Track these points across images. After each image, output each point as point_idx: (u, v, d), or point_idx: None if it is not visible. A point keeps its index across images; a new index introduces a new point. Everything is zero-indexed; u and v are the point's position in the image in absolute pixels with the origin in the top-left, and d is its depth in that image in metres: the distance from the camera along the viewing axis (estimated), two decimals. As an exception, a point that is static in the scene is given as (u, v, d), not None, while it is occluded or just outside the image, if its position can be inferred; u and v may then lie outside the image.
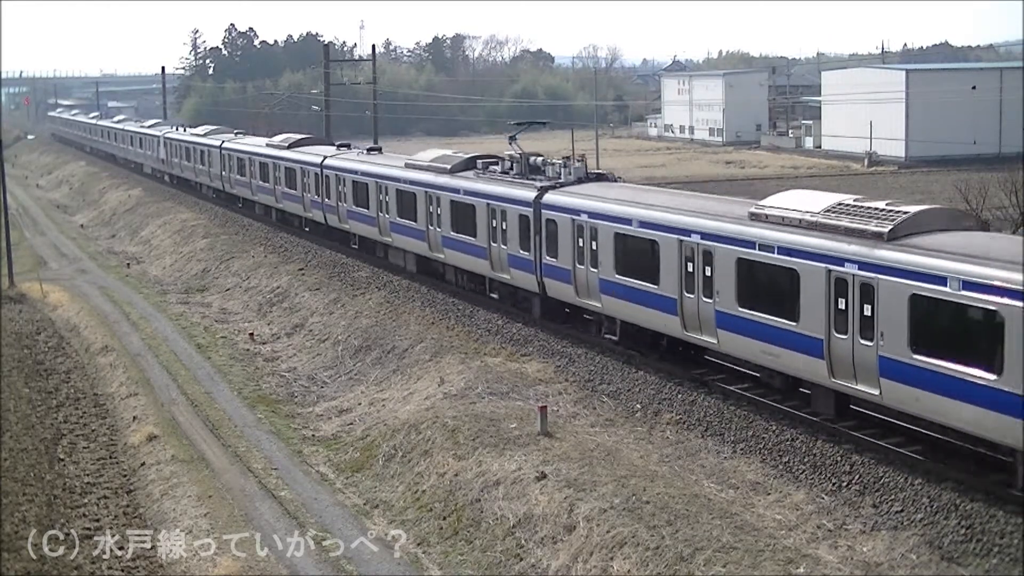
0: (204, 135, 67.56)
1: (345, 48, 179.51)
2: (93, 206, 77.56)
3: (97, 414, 30.48)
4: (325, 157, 45.63)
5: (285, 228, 52.42)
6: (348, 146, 48.53)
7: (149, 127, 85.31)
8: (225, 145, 60.85)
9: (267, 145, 54.01)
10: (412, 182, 36.74)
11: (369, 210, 40.42)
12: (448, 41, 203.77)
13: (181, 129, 76.97)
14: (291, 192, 49.51)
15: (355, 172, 42.00)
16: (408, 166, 37.93)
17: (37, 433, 28.29)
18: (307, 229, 49.12)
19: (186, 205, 65.01)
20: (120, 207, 71.38)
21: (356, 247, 43.44)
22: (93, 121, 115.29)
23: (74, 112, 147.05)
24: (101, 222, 70.11)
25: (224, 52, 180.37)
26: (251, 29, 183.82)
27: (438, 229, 35.00)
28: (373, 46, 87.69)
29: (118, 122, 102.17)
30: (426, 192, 35.53)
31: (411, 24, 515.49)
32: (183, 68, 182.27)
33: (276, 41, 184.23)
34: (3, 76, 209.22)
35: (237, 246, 50.17)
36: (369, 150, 45.63)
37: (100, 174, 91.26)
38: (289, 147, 50.90)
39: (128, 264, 53.18)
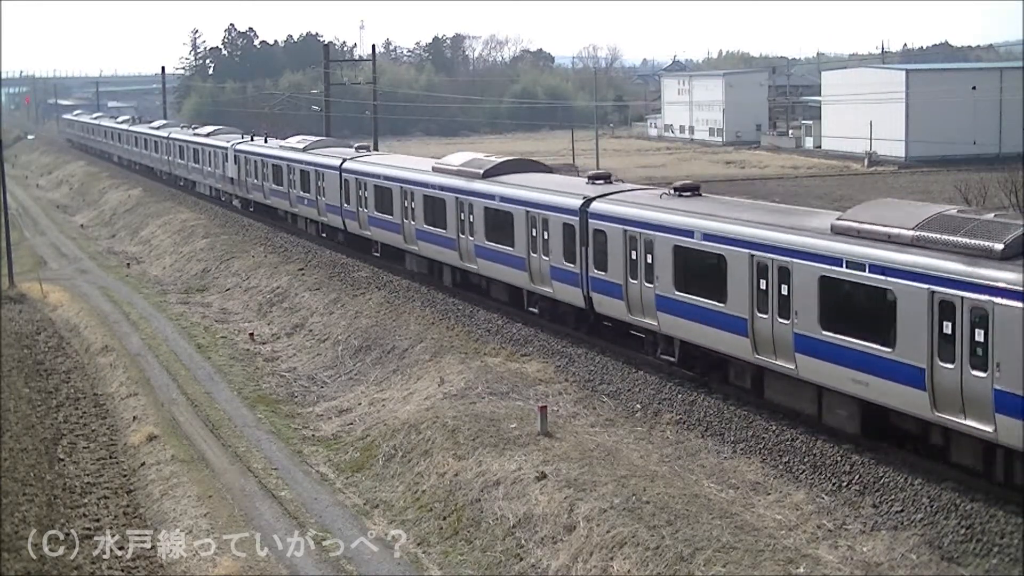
0: (304, 149, 49.66)
1: (345, 48, 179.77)
2: (93, 206, 77.55)
3: (97, 414, 30.48)
4: (588, 199, 27.92)
5: (286, 228, 52.17)
6: (607, 178, 30.43)
7: (208, 136, 66.74)
8: (351, 166, 43.12)
9: (434, 170, 36.57)
10: (860, 265, 19.87)
11: (712, 300, 23.38)
12: (448, 41, 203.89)
13: (261, 140, 58.75)
14: (498, 249, 31.85)
15: (676, 230, 24.46)
16: (788, 230, 21.90)
17: (37, 433, 28.30)
18: (534, 310, 31.14)
19: (186, 205, 64.99)
20: (120, 207, 71.37)
21: (675, 359, 25.51)
22: (123, 127, 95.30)
23: (96, 116, 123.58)
24: (101, 222, 70.11)
25: (224, 52, 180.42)
26: (251, 29, 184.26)
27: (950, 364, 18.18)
28: (373, 46, 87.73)
29: (158, 128, 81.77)
30: (929, 293, 18.46)
31: (411, 24, 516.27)
32: (183, 68, 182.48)
33: (276, 41, 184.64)
34: (3, 76, 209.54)
35: (237, 246, 50.17)
36: (679, 190, 26.70)
37: (100, 174, 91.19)
38: (486, 175, 33.43)
39: (128, 264, 53.19)
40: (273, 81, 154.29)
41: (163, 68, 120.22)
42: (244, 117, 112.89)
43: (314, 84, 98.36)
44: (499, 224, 31.87)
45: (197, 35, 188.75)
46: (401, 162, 42.26)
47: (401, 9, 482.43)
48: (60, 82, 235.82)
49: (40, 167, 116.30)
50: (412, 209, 37.13)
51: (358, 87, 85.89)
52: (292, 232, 50.94)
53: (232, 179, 58.83)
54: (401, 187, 37.98)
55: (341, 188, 43.31)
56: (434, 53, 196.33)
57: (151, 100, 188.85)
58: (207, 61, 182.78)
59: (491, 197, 32.24)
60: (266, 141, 56.93)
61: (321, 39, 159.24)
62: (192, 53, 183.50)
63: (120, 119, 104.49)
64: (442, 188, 35.08)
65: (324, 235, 47.26)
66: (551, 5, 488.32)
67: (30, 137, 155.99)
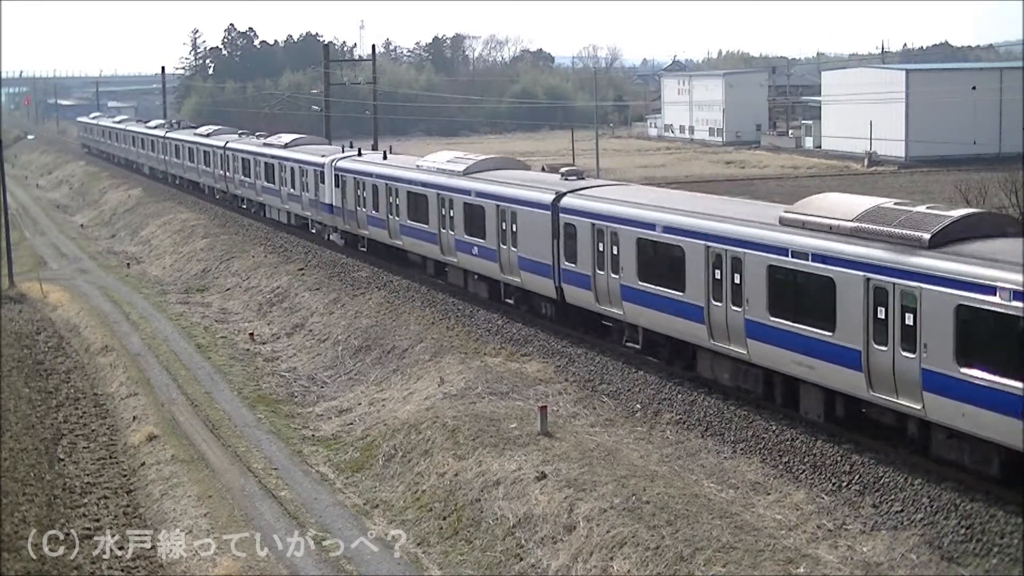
0: (465, 172, 34.62)
1: (345, 48, 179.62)
2: (93, 206, 77.55)
3: (97, 414, 30.48)
4: None
5: (285, 228, 52.16)
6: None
7: (286, 147, 52.23)
8: (578, 204, 28.41)
9: (787, 223, 22.22)
10: None
11: None
12: (448, 41, 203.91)
13: (375, 155, 45.80)
14: (988, 383, 17.55)
15: None
16: None
17: (37, 433, 28.31)
18: None
19: (186, 205, 64.97)
20: (120, 207, 71.38)
21: None
22: (158, 132, 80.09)
23: (119, 119, 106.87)
24: (101, 222, 70.12)
25: (224, 52, 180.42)
26: (251, 29, 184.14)
27: None
28: (373, 46, 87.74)
29: (207, 136, 67.23)
30: None
31: (411, 24, 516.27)
32: (183, 68, 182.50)
33: (276, 41, 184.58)
34: (3, 76, 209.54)
35: (237, 246, 50.16)
36: None
37: (100, 174, 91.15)
38: (940, 244, 19.04)
39: (128, 264, 53.19)
40: (273, 81, 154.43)
41: (163, 68, 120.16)
42: (244, 117, 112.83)
43: (314, 84, 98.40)
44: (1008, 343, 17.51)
45: (197, 35, 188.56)
46: (681, 202, 26.71)
47: (401, 9, 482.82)
48: (60, 82, 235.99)
49: (40, 167, 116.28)
50: (740, 287, 22.74)
51: (358, 87, 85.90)
52: (292, 232, 50.70)
53: (331, 207, 44.35)
54: (708, 248, 23.45)
55: (556, 237, 28.97)
56: (434, 53, 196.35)
57: (151, 100, 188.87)
58: (207, 61, 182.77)
59: (985, 290, 17.72)
60: (385, 157, 43.27)
61: (321, 39, 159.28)
62: (192, 53, 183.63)
63: (152, 124, 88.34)
64: (824, 259, 20.75)
65: (509, 300, 32.44)
66: (551, 5, 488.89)
67: (30, 137, 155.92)
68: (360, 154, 45.23)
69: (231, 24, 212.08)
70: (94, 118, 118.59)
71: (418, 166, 38.25)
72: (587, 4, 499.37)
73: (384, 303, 35.56)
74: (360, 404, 28.27)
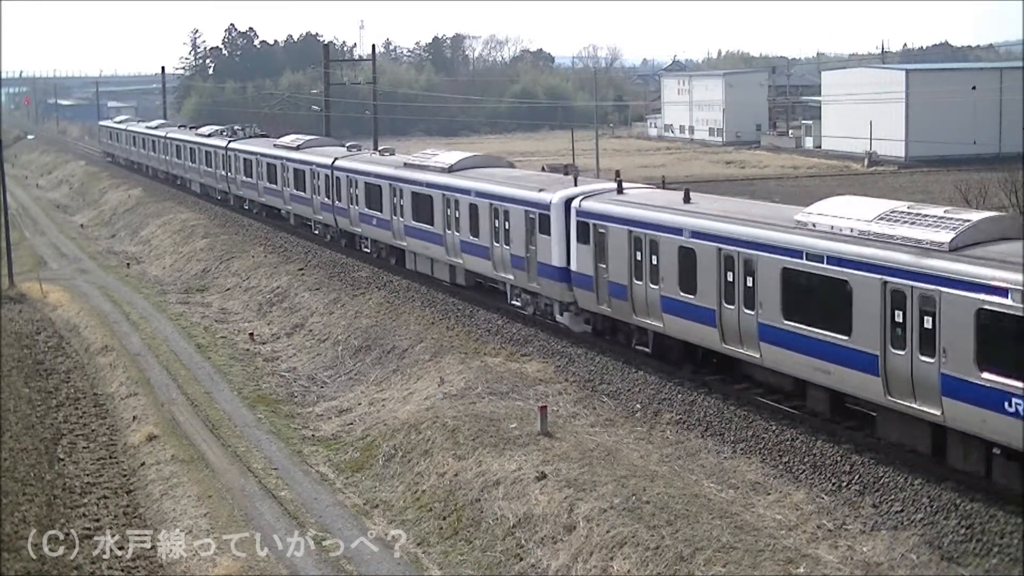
0: (957, 244, 18.29)
1: (345, 48, 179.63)
2: (93, 206, 77.56)
3: (97, 414, 30.49)
4: None
5: (285, 228, 52.15)
6: None
7: (453, 171, 35.22)
8: None
9: None
10: None
11: None
12: (448, 41, 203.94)
13: (647, 191, 29.33)
14: None
15: None
16: None
17: (37, 433, 28.31)
18: None
19: (186, 205, 64.95)
20: (120, 207, 71.36)
21: None
22: (220, 143, 61.41)
23: (155, 124, 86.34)
24: (101, 222, 70.12)
25: (224, 52, 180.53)
26: (251, 29, 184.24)
27: None
28: (373, 46, 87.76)
29: (296, 148, 50.50)
30: None
31: (411, 24, 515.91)
32: (183, 68, 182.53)
33: (276, 41, 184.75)
34: (3, 76, 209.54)
35: (237, 246, 50.16)
36: None
37: (100, 174, 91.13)
38: None
39: (128, 264, 53.19)
40: (273, 81, 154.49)
41: (163, 68, 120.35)
42: (244, 117, 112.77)
43: (314, 84, 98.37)
44: None
45: (197, 35, 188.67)
46: None
47: (401, 9, 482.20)
48: (60, 82, 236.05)
49: (40, 167, 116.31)
50: None
51: (358, 87, 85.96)
52: (291, 232, 50.71)
53: (566, 272, 28.67)
54: None
55: None
56: (434, 53, 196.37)
57: (151, 100, 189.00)
58: (207, 61, 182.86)
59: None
60: (687, 199, 25.86)
61: (321, 39, 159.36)
62: (192, 53, 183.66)
63: (206, 131, 68.39)
64: None
65: None
66: (551, 5, 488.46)
67: (30, 137, 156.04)
68: (621, 190, 28.17)
69: (231, 24, 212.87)
70: (120, 122, 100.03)
71: (803, 223, 21.56)
72: (587, 4, 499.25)
73: (384, 303, 35.55)
74: (360, 404, 28.28)
